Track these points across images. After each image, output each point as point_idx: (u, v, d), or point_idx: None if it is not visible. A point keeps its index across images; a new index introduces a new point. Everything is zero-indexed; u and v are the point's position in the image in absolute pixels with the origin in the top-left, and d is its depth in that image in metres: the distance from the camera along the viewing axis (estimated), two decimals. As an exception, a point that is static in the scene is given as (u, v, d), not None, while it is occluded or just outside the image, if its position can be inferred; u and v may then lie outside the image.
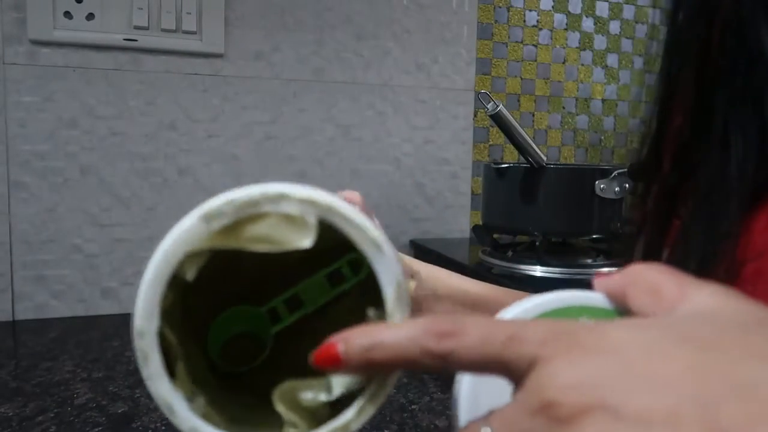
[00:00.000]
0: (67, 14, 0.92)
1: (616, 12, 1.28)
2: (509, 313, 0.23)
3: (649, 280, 0.21)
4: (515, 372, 0.19)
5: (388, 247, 0.24)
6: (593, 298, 0.23)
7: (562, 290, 0.23)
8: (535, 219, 0.91)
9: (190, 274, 0.24)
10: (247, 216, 0.23)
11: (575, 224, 0.91)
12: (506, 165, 0.94)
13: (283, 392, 0.26)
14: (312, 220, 0.23)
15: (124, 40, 0.95)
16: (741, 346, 0.16)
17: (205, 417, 0.23)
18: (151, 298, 0.23)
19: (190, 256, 0.23)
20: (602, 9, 1.27)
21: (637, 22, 1.30)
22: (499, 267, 0.91)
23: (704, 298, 0.20)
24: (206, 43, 0.99)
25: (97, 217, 0.97)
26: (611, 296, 0.23)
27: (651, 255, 0.36)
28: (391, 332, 0.21)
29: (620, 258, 0.42)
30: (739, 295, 0.20)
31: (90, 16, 0.93)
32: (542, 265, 0.88)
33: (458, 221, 1.19)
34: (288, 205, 0.23)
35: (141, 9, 0.94)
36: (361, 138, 1.10)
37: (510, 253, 0.95)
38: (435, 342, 0.20)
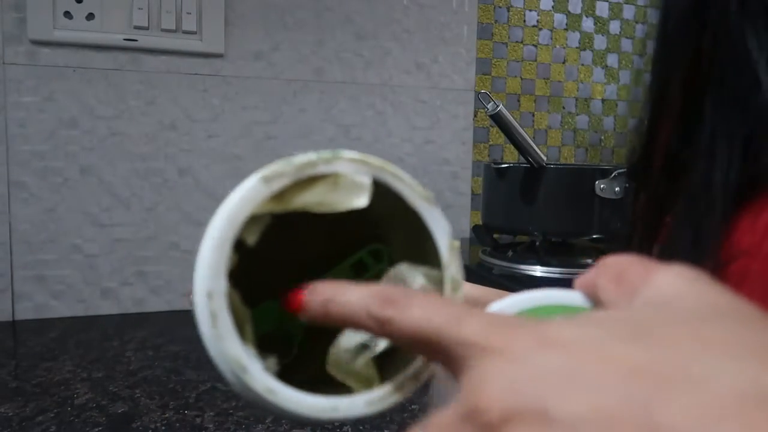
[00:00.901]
0: (67, 14, 0.92)
1: (616, 12, 1.28)
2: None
3: (615, 268, 0.21)
4: (451, 360, 0.18)
5: (437, 205, 0.25)
6: (571, 296, 0.23)
7: (541, 289, 0.23)
8: (535, 219, 0.91)
9: (252, 239, 0.24)
10: (304, 178, 0.24)
11: (575, 224, 0.91)
12: (506, 165, 0.94)
13: (332, 363, 0.26)
14: (366, 179, 0.24)
15: (124, 40, 0.95)
16: (692, 338, 0.15)
17: (279, 377, 0.23)
18: (217, 259, 0.22)
19: (251, 220, 0.24)
20: (602, 9, 1.27)
21: (637, 22, 1.30)
22: (499, 267, 0.91)
23: (667, 281, 0.19)
24: (206, 43, 0.99)
25: (97, 217, 0.97)
26: (586, 292, 0.22)
27: (642, 251, 0.36)
28: (347, 290, 0.21)
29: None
30: (705, 277, 0.19)
31: (90, 16, 0.93)
32: (542, 265, 0.88)
33: (458, 221, 1.19)
34: (342, 164, 0.24)
35: (141, 9, 0.94)
36: (361, 138, 1.10)
37: (510, 253, 0.95)
38: (378, 307, 0.20)
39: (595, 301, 0.22)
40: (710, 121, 0.31)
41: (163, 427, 0.61)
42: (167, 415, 0.63)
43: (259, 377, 0.22)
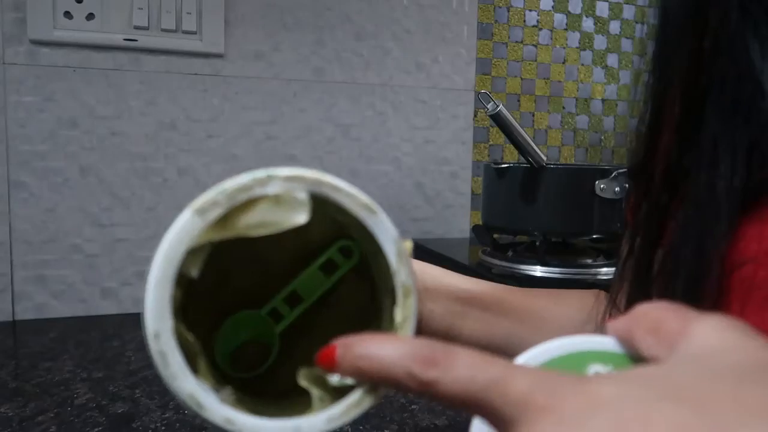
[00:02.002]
0: (67, 14, 0.92)
1: (616, 12, 1.28)
2: (521, 358, 0.23)
3: (651, 318, 0.21)
4: (499, 419, 0.18)
5: (380, 209, 0.25)
6: (604, 342, 0.23)
7: (574, 335, 0.23)
8: (535, 219, 0.91)
9: (195, 271, 0.24)
10: (239, 204, 0.24)
11: (575, 224, 0.91)
12: (506, 165, 0.94)
13: (309, 373, 0.26)
14: (302, 195, 0.24)
15: (124, 40, 0.95)
16: (733, 400, 0.16)
17: (235, 406, 0.23)
18: (160, 299, 0.23)
19: (191, 252, 0.23)
20: (602, 9, 1.27)
21: (637, 22, 1.30)
22: (499, 267, 0.91)
23: (706, 334, 0.19)
24: (206, 43, 0.99)
25: (97, 217, 0.97)
26: (621, 339, 0.22)
27: (643, 257, 0.36)
28: (383, 347, 0.21)
29: (617, 259, 0.42)
30: (743, 327, 0.19)
31: (90, 16, 0.93)
32: (542, 265, 0.88)
33: (458, 221, 1.19)
34: (276, 184, 0.24)
35: (141, 9, 0.94)
36: (361, 138, 1.10)
37: (510, 253, 0.95)
38: (421, 368, 0.19)
39: (630, 350, 0.22)
40: (712, 127, 0.31)
41: (163, 427, 0.61)
42: (167, 415, 0.63)
43: (216, 410, 0.22)
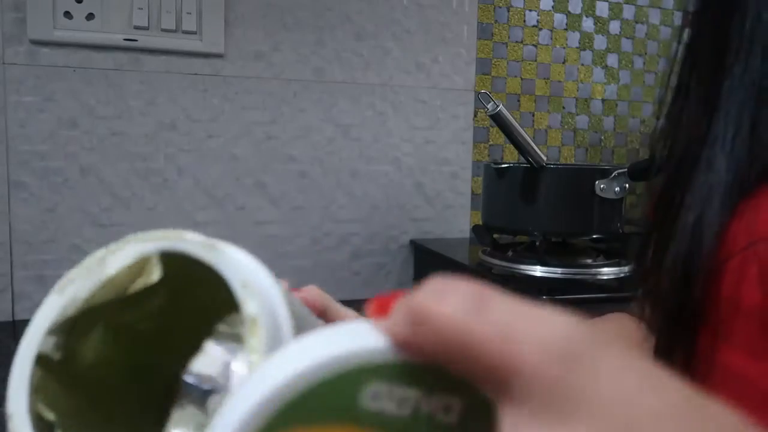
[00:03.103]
0: (67, 14, 0.92)
1: (616, 12, 1.28)
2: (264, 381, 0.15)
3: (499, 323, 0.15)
4: None
5: (227, 247, 0.23)
6: (372, 347, 0.16)
7: (327, 328, 0.17)
8: (535, 219, 0.91)
9: (57, 355, 0.24)
10: (101, 281, 0.23)
11: (575, 224, 0.91)
12: (506, 165, 0.94)
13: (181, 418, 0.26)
14: (153, 256, 0.24)
15: (124, 40, 0.95)
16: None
17: None
18: (18, 379, 0.23)
19: (53, 332, 0.24)
20: (602, 9, 1.27)
21: (637, 22, 1.30)
22: (499, 267, 0.91)
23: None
24: (206, 43, 0.99)
25: (97, 217, 0.97)
26: (401, 346, 0.16)
27: (660, 252, 0.36)
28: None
29: (634, 260, 0.43)
30: (595, 329, 0.16)
31: (90, 16, 0.93)
32: (542, 265, 0.88)
33: (458, 221, 1.19)
34: (126, 251, 0.24)
35: (141, 9, 0.94)
36: (361, 138, 1.10)
37: (510, 253, 0.95)
38: None
39: (417, 362, 0.16)
40: (723, 105, 0.32)
41: (163, 427, 0.61)
42: (167, 415, 0.63)
43: None
